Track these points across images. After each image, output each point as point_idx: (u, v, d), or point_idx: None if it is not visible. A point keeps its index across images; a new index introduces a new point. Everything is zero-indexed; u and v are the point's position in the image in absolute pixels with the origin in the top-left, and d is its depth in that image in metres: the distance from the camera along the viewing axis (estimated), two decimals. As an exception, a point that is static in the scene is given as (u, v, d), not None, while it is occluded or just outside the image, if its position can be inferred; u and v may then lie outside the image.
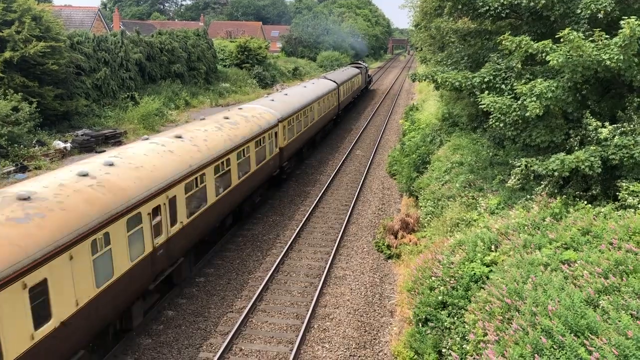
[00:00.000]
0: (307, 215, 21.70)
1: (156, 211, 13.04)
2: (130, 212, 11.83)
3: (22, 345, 8.68)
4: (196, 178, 15.26)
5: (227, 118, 20.43)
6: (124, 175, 12.54)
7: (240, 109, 23.67)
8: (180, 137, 16.30)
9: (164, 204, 13.40)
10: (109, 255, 11.10)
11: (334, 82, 41.36)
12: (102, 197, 11.28)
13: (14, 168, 26.42)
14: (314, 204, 23.15)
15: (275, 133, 23.69)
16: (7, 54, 31.13)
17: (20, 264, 8.61)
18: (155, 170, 13.53)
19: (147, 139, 16.16)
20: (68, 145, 31.25)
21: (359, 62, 75.14)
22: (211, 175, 16.34)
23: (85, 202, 10.79)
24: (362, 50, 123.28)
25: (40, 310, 9.11)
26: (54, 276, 9.40)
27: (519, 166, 14.29)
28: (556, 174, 12.84)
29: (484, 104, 15.25)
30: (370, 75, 76.65)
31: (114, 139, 33.86)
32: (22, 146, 28.37)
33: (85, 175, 11.75)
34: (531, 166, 13.73)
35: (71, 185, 11.15)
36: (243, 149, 19.31)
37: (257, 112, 23.12)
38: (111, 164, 12.84)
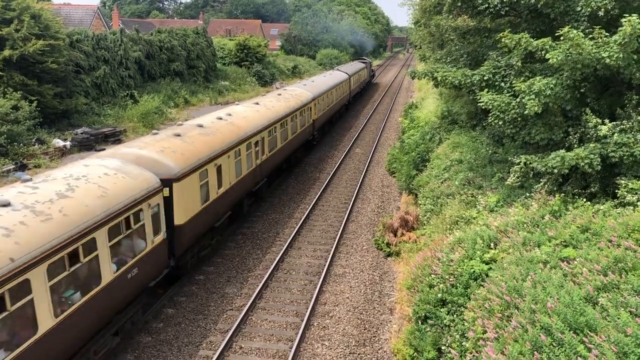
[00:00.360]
0: (306, 213, 21.71)
1: (257, 143, 21.07)
2: (247, 140, 19.79)
3: (214, 195, 16.56)
4: (272, 129, 23.25)
5: (280, 95, 28.74)
6: (239, 120, 20.53)
7: (285, 89, 32.04)
8: (258, 103, 24.72)
9: (259, 140, 21.39)
10: (240, 162, 19.03)
11: (346, 73, 48.50)
12: (234, 129, 19.27)
13: (13, 166, 26.41)
14: (313, 202, 23.17)
15: (310, 108, 31.46)
16: (7, 52, 31.08)
17: (214, 154, 16.52)
18: (254, 120, 21.56)
19: (238, 104, 24.56)
20: (67, 143, 31.23)
21: (364, 58, 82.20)
22: (278, 128, 24.36)
23: (228, 131, 18.71)
24: (367, 46, 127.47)
25: (219, 180, 16.95)
26: (224, 164, 17.38)
27: (518, 163, 14.30)
28: (555, 171, 12.85)
29: (482, 102, 15.26)
30: (373, 70, 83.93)
31: (114, 137, 33.84)
32: (21, 145, 28.34)
33: (220, 118, 19.85)
34: (530, 163, 13.74)
35: (217, 122, 19.11)
36: (293, 115, 27.15)
37: (298, 92, 30.96)
38: (230, 115, 20.86)
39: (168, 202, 13.78)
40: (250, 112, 22.29)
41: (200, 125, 17.94)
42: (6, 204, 9.67)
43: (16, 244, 8.85)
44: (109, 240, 11.08)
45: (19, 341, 8.83)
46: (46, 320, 9.30)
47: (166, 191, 13.64)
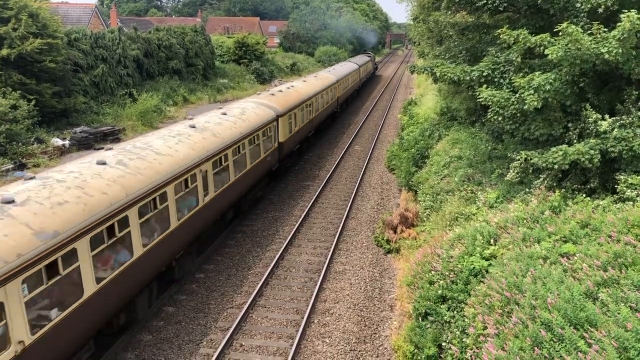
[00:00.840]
0: (306, 211, 21.71)
1: (309, 105, 30.76)
2: (306, 101, 29.77)
3: (293, 130, 26.83)
4: (317, 97, 33.59)
5: (316, 76, 39.94)
6: (299, 90, 30.39)
7: (319, 73, 44.22)
8: (305, 80, 36.01)
9: (310, 103, 31.26)
10: (302, 115, 28.86)
11: (357, 64, 59.66)
12: (298, 94, 29.09)
13: (12, 166, 26.38)
14: (313, 199, 23.17)
15: (335, 87, 41.93)
16: (4, 52, 31.03)
17: (293, 106, 26.91)
18: (307, 90, 31.53)
19: (292, 82, 34.98)
20: (66, 142, 31.20)
21: (368, 52, 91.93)
22: (319, 98, 34.51)
23: (296, 95, 28.45)
24: (370, 40, 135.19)
25: (295, 122, 27.03)
26: (297, 113, 27.58)
27: (519, 159, 14.29)
28: (556, 166, 12.83)
29: (482, 98, 15.23)
30: (376, 63, 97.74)
31: (112, 136, 33.81)
32: (20, 144, 28.32)
33: (288, 88, 29.91)
34: (531, 159, 13.72)
35: (288, 90, 29.22)
36: (327, 90, 37.69)
37: (326, 75, 41.70)
38: (293, 86, 31.50)
39: (276, 128, 23.93)
40: (304, 85, 33.30)
41: (281, 90, 28.69)
42: (225, 114, 20.15)
43: (238, 130, 19.08)
44: (262, 137, 21.53)
45: (224, 181, 17.56)
46: (247, 165, 19.76)
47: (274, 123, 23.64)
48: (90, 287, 10.28)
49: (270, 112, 23.17)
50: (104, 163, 12.45)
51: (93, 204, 10.67)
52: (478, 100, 15.86)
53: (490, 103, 15.00)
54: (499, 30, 15.40)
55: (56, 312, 9.49)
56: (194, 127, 17.23)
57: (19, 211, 9.42)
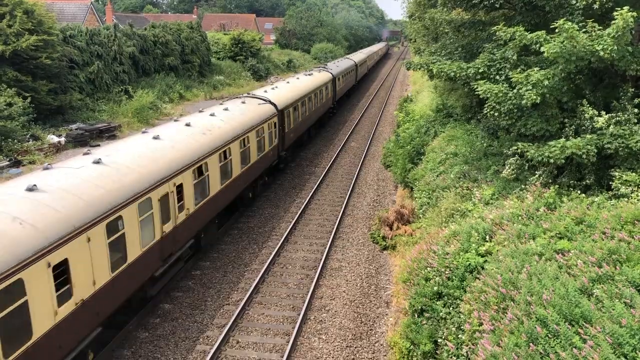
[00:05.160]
0: (302, 208, 21.72)
1: (334, 83, 43.07)
2: (332, 80, 42.28)
3: (321, 102, 38.14)
4: (334, 80, 42.79)
5: (347, 58, 59.60)
6: (327, 74, 42.24)
7: (347, 57, 63.05)
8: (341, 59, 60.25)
9: (334, 81, 42.92)
10: (323, 92, 37.53)
11: (379, 48, 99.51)
12: (323, 75, 39.93)
13: (7, 163, 26.29)
14: (309, 196, 23.17)
15: (366, 61, 69.04)
16: (-1, 48, 30.93)
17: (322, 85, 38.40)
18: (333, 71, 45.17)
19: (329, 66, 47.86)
20: (62, 139, 31.10)
21: (382, 40, 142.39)
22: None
23: (320, 78, 37.96)
24: (381, 33, 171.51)
25: (327, 94, 39.58)
26: (315, 95, 34.79)
27: (514, 155, 14.30)
28: (552, 161, 12.86)
29: (480, 91, 15.23)
30: (388, 46, 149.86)
31: (108, 133, 33.70)
32: (15, 141, 28.21)
33: (310, 74, 37.94)
34: (527, 151, 13.73)
35: (307, 78, 35.60)
36: (348, 70, 51.44)
37: (357, 56, 63.50)
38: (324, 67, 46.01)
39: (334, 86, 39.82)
40: (315, 77, 41.47)
41: (304, 76, 36.88)
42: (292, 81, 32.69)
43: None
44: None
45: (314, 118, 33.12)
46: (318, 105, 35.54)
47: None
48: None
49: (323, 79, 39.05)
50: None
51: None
52: (476, 93, 15.85)
53: (488, 95, 14.99)
54: (495, 27, 15.41)
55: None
56: None
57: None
